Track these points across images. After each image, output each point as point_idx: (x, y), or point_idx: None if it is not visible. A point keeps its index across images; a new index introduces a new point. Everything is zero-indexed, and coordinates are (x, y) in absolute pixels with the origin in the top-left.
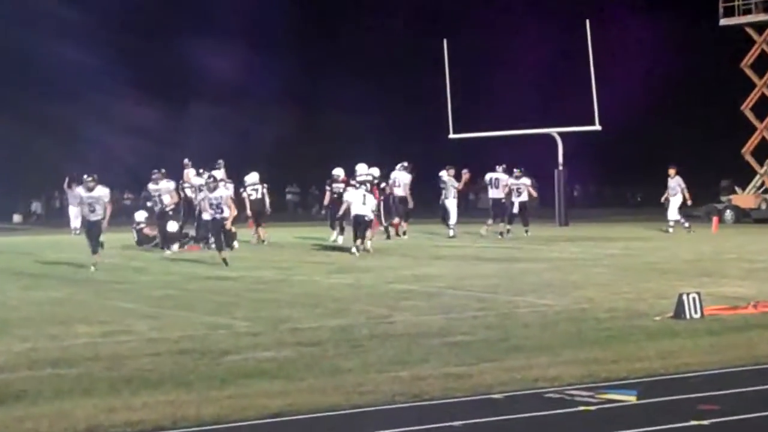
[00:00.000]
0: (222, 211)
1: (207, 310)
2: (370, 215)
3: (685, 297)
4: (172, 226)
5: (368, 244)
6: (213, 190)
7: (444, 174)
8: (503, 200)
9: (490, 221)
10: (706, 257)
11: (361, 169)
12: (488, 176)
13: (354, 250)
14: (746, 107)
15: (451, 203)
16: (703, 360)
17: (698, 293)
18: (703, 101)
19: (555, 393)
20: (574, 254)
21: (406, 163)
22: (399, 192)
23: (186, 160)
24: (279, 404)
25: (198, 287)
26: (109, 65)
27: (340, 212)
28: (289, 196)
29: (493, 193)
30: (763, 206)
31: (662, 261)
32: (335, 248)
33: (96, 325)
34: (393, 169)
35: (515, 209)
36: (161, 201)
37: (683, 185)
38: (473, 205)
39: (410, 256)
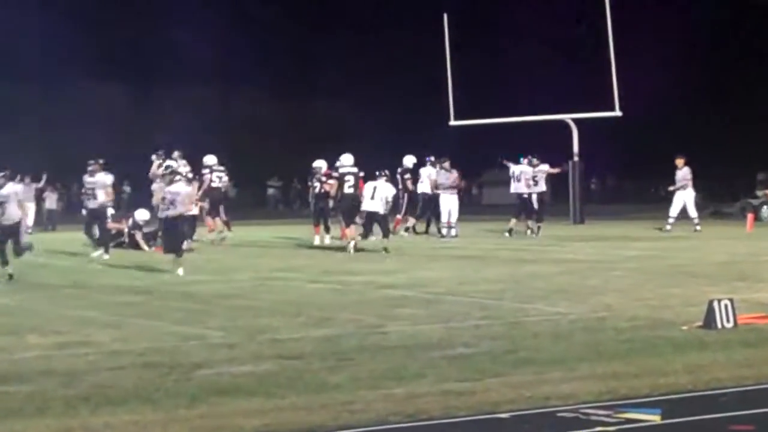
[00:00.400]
0: (175, 208)
1: (176, 318)
2: (383, 210)
3: (716, 304)
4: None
5: (385, 242)
6: (170, 184)
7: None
8: (525, 195)
9: (513, 220)
10: (739, 259)
11: (346, 160)
12: (514, 168)
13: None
14: None
15: (448, 199)
16: (735, 375)
17: (731, 300)
18: (739, 85)
19: (569, 412)
20: (590, 256)
21: (433, 158)
22: (423, 188)
23: (157, 153)
24: (257, 424)
25: (166, 293)
26: (68, 41)
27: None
28: (270, 191)
29: (517, 188)
30: None
31: (690, 263)
32: (322, 249)
33: (50, 335)
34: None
35: (535, 204)
36: (95, 196)
37: (690, 177)
38: (477, 201)
39: (405, 258)
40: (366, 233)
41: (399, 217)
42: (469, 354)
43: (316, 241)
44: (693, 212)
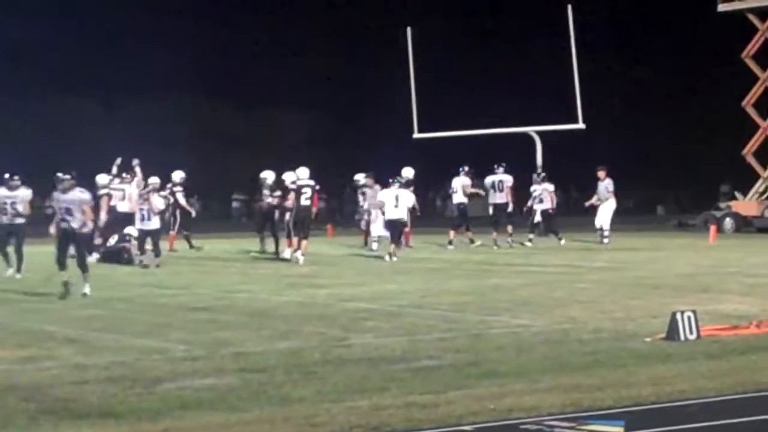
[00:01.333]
0: (73, 219)
1: (138, 332)
2: (405, 217)
3: (679, 316)
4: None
5: (393, 248)
6: (65, 192)
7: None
8: (505, 204)
9: (494, 233)
10: (703, 271)
11: (302, 173)
12: (489, 179)
13: (387, 257)
14: (748, 103)
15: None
16: (699, 386)
17: (694, 311)
18: (700, 97)
19: (532, 424)
20: (554, 268)
21: (466, 168)
22: (457, 199)
23: (135, 161)
24: None
25: (129, 306)
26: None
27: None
28: (234, 204)
29: (497, 198)
30: (767, 213)
31: (654, 275)
32: (284, 262)
33: (12, 349)
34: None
35: (537, 218)
36: (15, 209)
37: (612, 189)
38: (440, 212)
39: (369, 271)
40: (393, 240)
41: (407, 230)
42: (433, 366)
43: (286, 254)
44: (607, 224)
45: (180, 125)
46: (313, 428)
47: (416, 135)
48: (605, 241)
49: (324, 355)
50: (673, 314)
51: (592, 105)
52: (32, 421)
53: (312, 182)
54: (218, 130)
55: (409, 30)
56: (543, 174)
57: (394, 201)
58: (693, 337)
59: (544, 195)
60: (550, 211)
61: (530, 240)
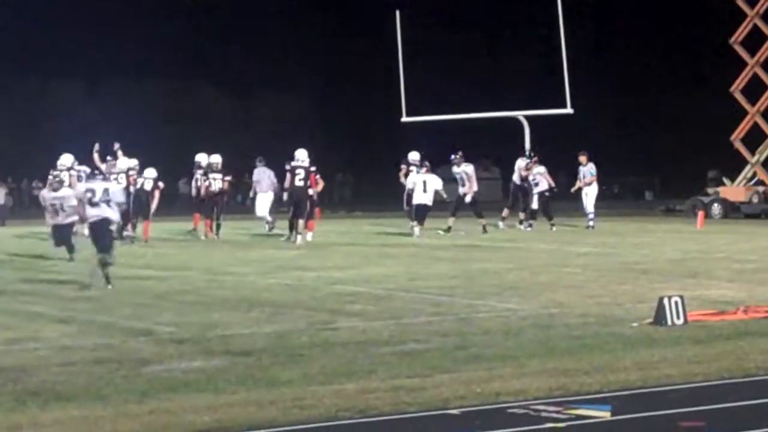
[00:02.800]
0: (67, 216)
1: (126, 314)
2: (431, 202)
3: (666, 301)
4: None
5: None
6: (56, 190)
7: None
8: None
9: (506, 211)
10: (690, 256)
11: (301, 155)
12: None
13: (416, 231)
14: (736, 89)
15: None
16: (686, 371)
17: (681, 297)
18: (688, 83)
19: (519, 408)
20: (541, 252)
21: (460, 153)
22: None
23: (117, 145)
24: (207, 420)
25: (116, 288)
26: None
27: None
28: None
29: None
30: (755, 200)
31: (641, 260)
32: (274, 245)
33: None
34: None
35: (534, 203)
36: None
37: (594, 173)
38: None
39: (357, 254)
40: (420, 222)
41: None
42: (420, 350)
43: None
44: (591, 208)
45: (161, 107)
46: (300, 411)
47: (404, 119)
48: (591, 224)
49: (311, 338)
50: (661, 299)
51: (580, 90)
52: (19, 403)
53: (306, 164)
54: (202, 113)
55: (398, 13)
56: (534, 157)
57: (422, 186)
58: (680, 322)
59: (538, 178)
60: (547, 193)
61: (530, 224)
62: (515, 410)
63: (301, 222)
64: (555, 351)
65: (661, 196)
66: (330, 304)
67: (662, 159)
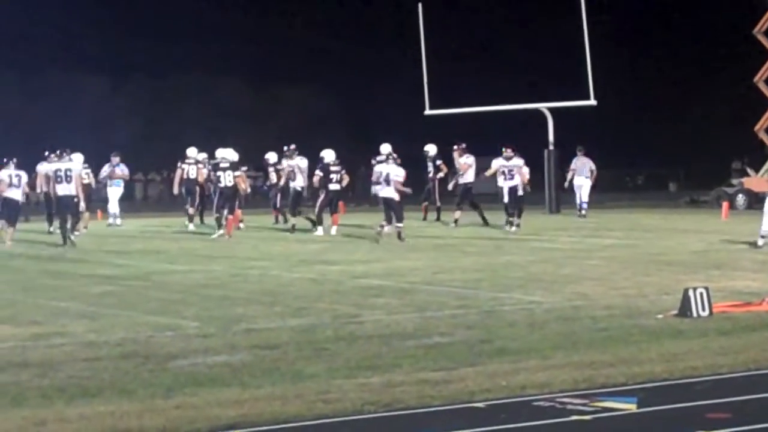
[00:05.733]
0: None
1: (152, 309)
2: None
3: (691, 292)
4: None
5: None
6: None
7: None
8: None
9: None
10: (715, 247)
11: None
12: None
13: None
14: (759, 79)
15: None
16: (711, 363)
17: (706, 288)
18: (712, 73)
19: (545, 401)
20: (566, 245)
21: (463, 145)
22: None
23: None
24: (233, 415)
25: (141, 283)
26: None
27: None
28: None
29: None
30: None
31: (666, 252)
32: (297, 238)
33: (25, 326)
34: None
35: (505, 198)
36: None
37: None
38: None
39: (382, 247)
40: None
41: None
42: (445, 343)
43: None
44: (585, 197)
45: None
46: (325, 405)
47: (428, 111)
48: (584, 213)
49: (336, 331)
50: (686, 291)
51: (604, 81)
52: (45, 398)
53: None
54: (226, 107)
55: (420, 6)
56: (509, 151)
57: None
58: (705, 313)
59: (514, 171)
60: (520, 191)
61: (515, 223)
62: (541, 403)
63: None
64: (580, 343)
65: (685, 188)
66: (354, 298)
67: (686, 150)
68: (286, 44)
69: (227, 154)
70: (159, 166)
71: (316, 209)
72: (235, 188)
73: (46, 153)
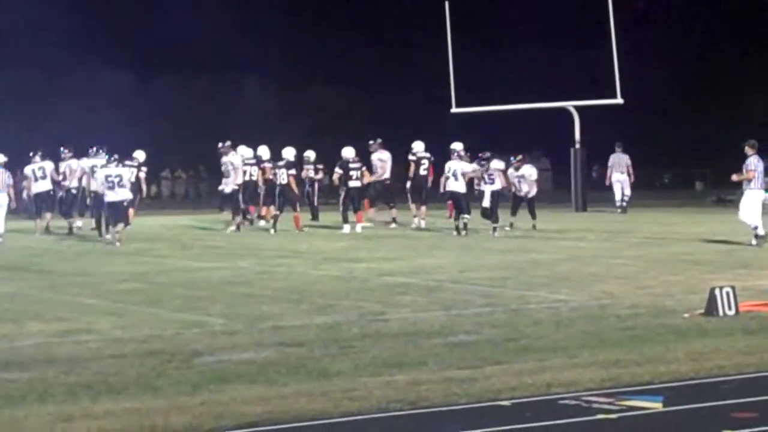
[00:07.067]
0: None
1: (177, 306)
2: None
3: (717, 291)
4: None
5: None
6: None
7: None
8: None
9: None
10: (741, 247)
11: (418, 146)
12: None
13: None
14: None
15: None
16: (738, 362)
17: (733, 287)
18: (738, 72)
19: (571, 399)
20: (591, 243)
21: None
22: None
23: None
24: (258, 411)
25: (168, 280)
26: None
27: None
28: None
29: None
30: None
31: (692, 251)
32: (323, 236)
33: (51, 322)
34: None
35: (486, 202)
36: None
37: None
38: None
39: (407, 245)
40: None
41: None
42: (471, 341)
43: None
44: (628, 191)
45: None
46: (351, 402)
47: (454, 110)
48: (624, 206)
49: (362, 329)
50: (712, 290)
51: (631, 80)
52: (71, 395)
53: (428, 154)
54: (253, 106)
55: (447, 4)
56: (487, 155)
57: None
58: (732, 312)
59: (493, 174)
60: (499, 193)
61: (511, 224)
62: (567, 401)
63: (423, 208)
64: (606, 342)
65: (711, 187)
66: (380, 296)
67: (713, 149)
68: (314, 44)
69: (286, 153)
70: (185, 164)
71: (340, 207)
72: (288, 186)
73: (92, 149)
